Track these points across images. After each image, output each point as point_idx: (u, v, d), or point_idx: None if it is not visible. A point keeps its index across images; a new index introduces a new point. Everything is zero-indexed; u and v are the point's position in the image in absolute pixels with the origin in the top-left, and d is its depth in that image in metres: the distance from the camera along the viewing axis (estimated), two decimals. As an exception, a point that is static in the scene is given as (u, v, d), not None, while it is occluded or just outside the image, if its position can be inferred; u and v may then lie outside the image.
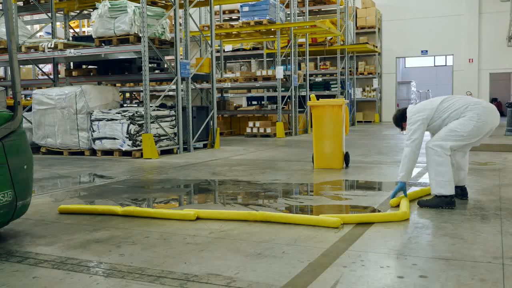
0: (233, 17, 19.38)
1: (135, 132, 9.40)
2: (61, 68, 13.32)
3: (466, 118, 4.50)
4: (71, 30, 13.74)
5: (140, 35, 9.39)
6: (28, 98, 12.61)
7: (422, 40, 21.64)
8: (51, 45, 10.47)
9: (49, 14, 11.58)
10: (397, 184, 4.69)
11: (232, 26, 15.09)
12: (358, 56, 21.80)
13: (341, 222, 3.92)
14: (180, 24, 12.05)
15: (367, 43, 19.72)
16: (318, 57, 21.35)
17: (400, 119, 4.96)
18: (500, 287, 2.65)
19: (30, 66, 15.50)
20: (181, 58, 10.26)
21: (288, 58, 15.57)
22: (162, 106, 11.02)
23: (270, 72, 15.13)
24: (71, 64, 12.49)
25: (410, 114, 4.73)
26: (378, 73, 22.35)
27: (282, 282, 2.76)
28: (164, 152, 9.86)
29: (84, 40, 11.54)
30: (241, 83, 15.55)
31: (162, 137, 9.82)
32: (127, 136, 9.37)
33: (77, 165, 8.41)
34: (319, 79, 20.65)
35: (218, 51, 16.74)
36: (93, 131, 9.74)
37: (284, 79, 14.82)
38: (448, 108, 4.61)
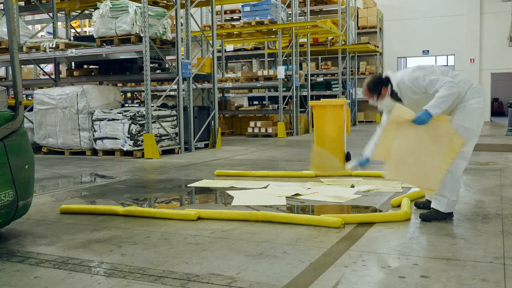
0: (234, 17, 19.38)
1: (136, 132, 9.41)
2: (63, 68, 13.33)
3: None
4: (73, 30, 13.75)
5: (142, 35, 9.39)
6: (30, 98, 12.63)
7: (423, 40, 21.61)
8: (52, 45, 10.48)
9: (51, 14, 11.59)
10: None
11: (233, 26, 15.08)
12: (359, 56, 21.78)
13: (342, 222, 3.92)
14: (182, 24, 12.06)
15: (368, 43, 19.71)
16: (320, 57, 21.34)
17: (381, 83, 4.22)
18: (501, 287, 2.65)
19: (32, 66, 15.52)
20: (183, 58, 10.26)
21: (290, 58, 15.57)
22: (164, 106, 11.01)
23: (271, 72, 15.13)
24: (73, 64, 12.52)
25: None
26: (380, 73, 22.31)
27: (283, 282, 2.75)
28: (165, 152, 9.86)
29: (85, 40, 11.55)
30: (243, 83, 15.55)
31: (163, 137, 9.83)
32: (129, 136, 9.37)
33: (79, 165, 8.42)
34: (320, 79, 20.64)
35: (219, 51, 16.73)
36: (95, 131, 9.75)
37: (286, 79, 14.82)
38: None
